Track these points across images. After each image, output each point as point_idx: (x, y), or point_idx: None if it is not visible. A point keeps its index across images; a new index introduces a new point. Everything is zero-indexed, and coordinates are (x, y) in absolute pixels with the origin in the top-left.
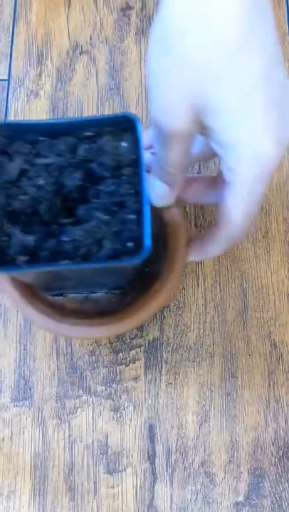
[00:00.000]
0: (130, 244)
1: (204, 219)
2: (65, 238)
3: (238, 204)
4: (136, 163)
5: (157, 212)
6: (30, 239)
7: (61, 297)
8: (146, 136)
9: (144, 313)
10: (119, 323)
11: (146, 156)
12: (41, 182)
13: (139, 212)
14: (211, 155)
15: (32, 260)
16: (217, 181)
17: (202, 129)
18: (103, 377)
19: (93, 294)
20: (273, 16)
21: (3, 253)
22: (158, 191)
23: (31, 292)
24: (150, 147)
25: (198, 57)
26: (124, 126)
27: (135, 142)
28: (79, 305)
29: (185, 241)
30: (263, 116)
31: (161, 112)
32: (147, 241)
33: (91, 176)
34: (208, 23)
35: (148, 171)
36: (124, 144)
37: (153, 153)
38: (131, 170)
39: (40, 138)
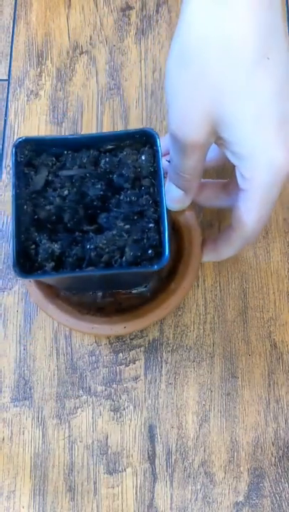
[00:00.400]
0: (150, 251)
1: (204, 218)
2: (89, 245)
3: (252, 209)
4: (154, 175)
5: (173, 215)
6: (56, 246)
7: (81, 296)
8: (162, 143)
9: (161, 311)
10: (137, 320)
11: (163, 163)
12: (65, 192)
13: (157, 221)
14: (224, 161)
15: (58, 266)
16: (229, 186)
17: (218, 139)
18: (103, 378)
19: (112, 293)
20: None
21: (31, 260)
22: (174, 196)
23: (53, 291)
24: (166, 153)
25: (215, 73)
26: (144, 140)
27: (154, 155)
28: (98, 303)
29: (200, 242)
30: (276, 128)
31: (179, 123)
32: (166, 250)
33: (112, 186)
34: (227, 41)
35: (164, 177)
36: (143, 157)
37: (169, 161)
38: (149, 181)
39: (65, 151)
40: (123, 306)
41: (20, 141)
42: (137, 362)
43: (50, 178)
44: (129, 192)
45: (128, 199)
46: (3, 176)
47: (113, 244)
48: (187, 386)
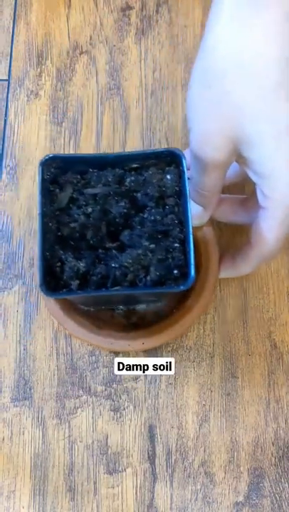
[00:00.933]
0: (175, 271)
1: None
2: (113, 264)
3: (272, 228)
4: (179, 194)
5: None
6: (82, 264)
7: (99, 311)
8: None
9: (178, 328)
10: (154, 337)
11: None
12: (89, 210)
13: (182, 241)
14: (244, 177)
15: (82, 284)
16: (248, 202)
17: (239, 158)
18: (103, 378)
19: (129, 308)
20: None
21: (56, 277)
22: (193, 212)
23: (71, 306)
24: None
25: (238, 94)
26: (169, 160)
27: (179, 175)
28: (116, 318)
29: (217, 259)
30: None
31: (201, 143)
32: (192, 270)
33: (135, 204)
34: (251, 63)
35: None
36: (168, 176)
37: (188, 178)
38: (174, 200)
39: (90, 169)
40: (138, 321)
41: (46, 159)
42: None
43: (74, 195)
44: (153, 211)
45: (152, 218)
46: (3, 175)
47: (138, 263)
48: (187, 386)
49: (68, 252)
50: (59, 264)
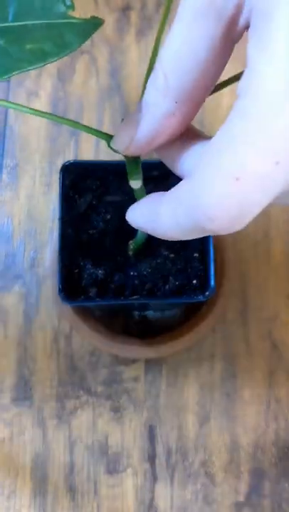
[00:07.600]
0: (195, 281)
1: None
2: (132, 272)
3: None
4: None
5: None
6: (100, 272)
7: (113, 316)
8: None
9: (193, 335)
10: (168, 344)
11: None
12: (108, 217)
13: (201, 251)
14: None
15: (100, 291)
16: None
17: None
18: (103, 378)
19: (143, 314)
20: None
21: (74, 284)
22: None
23: (84, 311)
24: None
25: None
26: None
27: None
28: (129, 325)
29: (233, 267)
30: None
31: None
32: (212, 280)
33: None
34: None
35: None
36: None
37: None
38: None
39: (110, 176)
40: (153, 328)
41: (67, 165)
42: (137, 362)
43: (94, 202)
44: None
45: None
46: (3, 175)
47: (157, 272)
48: (187, 386)
49: (87, 258)
50: (77, 270)
